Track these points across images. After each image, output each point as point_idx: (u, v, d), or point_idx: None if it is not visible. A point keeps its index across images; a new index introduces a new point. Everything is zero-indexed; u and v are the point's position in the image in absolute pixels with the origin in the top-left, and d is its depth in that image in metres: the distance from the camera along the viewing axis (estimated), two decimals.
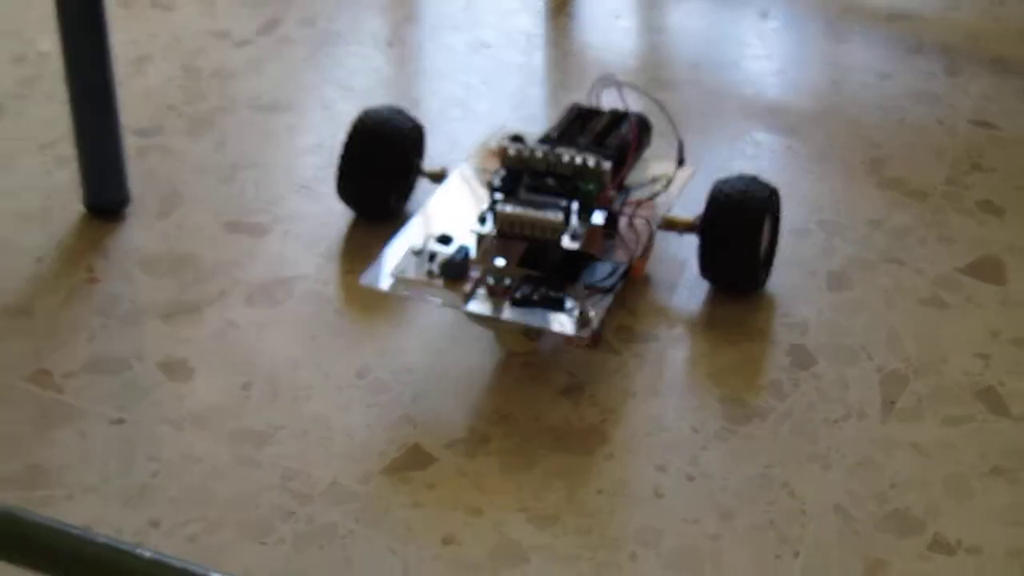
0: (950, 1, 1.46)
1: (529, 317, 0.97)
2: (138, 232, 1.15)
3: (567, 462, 0.95)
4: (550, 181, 1.02)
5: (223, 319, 1.07)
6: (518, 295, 0.97)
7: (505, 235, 1.01)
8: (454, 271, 0.98)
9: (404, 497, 0.93)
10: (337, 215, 1.17)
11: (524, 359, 1.03)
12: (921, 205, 1.19)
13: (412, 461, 0.95)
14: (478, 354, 1.03)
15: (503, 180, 1.03)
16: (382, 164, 1.13)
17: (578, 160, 1.02)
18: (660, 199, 1.07)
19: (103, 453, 0.96)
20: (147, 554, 0.75)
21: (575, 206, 1.02)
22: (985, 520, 0.92)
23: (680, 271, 1.11)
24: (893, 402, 1.00)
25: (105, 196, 1.17)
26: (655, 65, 1.38)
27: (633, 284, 1.07)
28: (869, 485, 0.94)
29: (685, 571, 0.88)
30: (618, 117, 1.10)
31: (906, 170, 1.23)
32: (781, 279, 1.10)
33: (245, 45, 1.38)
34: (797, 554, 0.89)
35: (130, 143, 1.19)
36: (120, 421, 0.98)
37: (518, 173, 1.03)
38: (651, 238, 1.06)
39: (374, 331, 1.06)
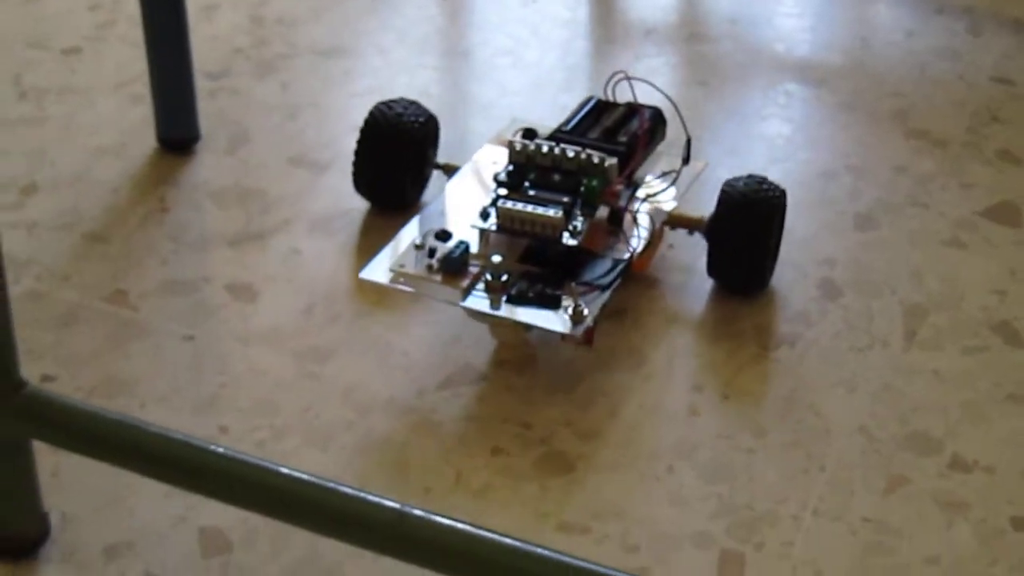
0: None
1: (524, 314, 0.92)
2: (207, 166, 1.15)
3: (609, 381, 0.96)
4: (556, 177, 0.97)
5: (286, 247, 1.07)
6: (514, 292, 0.92)
7: (506, 231, 0.96)
8: (453, 266, 0.94)
9: (457, 411, 0.93)
10: None
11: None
12: (943, 153, 1.19)
13: (464, 378, 0.96)
14: None
15: (508, 175, 0.98)
16: (396, 157, 1.07)
17: (583, 156, 0.98)
18: (667, 195, 1.02)
19: (174, 367, 0.97)
20: (220, 450, 0.76)
21: (579, 202, 0.96)
22: (1000, 442, 0.92)
23: None
24: (915, 333, 1.00)
25: (177, 132, 1.17)
26: (694, 21, 1.37)
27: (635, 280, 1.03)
28: (891, 408, 0.94)
29: (719, 482, 0.88)
30: (633, 110, 1.04)
31: (929, 121, 1.22)
32: (812, 218, 1.10)
33: None
34: (823, 468, 0.90)
35: (201, 85, 1.19)
36: (190, 338, 0.99)
37: (524, 168, 0.99)
38: (656, 234, 1.01)
39: None
